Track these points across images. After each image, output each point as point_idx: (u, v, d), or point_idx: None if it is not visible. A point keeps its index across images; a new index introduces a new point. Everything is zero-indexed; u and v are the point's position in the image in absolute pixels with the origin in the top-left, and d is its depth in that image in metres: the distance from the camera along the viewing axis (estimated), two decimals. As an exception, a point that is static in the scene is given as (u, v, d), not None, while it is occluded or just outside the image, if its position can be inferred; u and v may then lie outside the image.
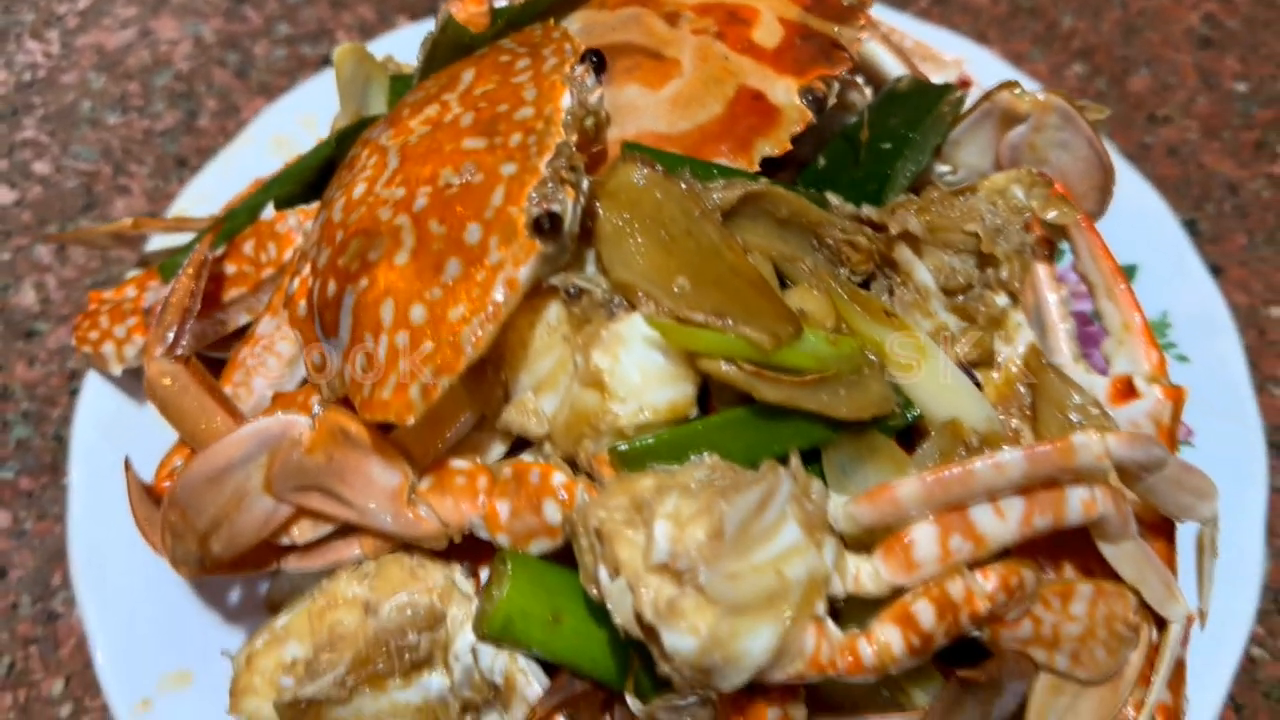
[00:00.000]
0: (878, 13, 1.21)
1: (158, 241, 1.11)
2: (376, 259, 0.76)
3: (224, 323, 0.95)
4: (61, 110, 1.48)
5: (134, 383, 1.03)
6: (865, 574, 0.72)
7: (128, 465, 0.89)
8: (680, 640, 0.65)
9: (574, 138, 0.76)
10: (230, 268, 0.95)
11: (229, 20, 1.56)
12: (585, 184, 0.77)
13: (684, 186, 0.79)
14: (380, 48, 1.13)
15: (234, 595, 0.98)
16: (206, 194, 1.15)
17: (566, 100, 0.78)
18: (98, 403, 1.01)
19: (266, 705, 0.77)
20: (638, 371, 0.76)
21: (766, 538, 0.67)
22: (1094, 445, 0.69)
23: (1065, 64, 1.48)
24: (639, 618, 0.67)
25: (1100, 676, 0.78)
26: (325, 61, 1.46)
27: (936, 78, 1.13)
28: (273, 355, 0.90)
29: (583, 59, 0.81)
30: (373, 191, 0.80)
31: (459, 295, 0.72)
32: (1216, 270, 1.30)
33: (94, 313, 0.99)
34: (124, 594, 0.94)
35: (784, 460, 0.76)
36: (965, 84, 1.16)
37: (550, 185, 0.73)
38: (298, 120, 1.20)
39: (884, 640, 0.70)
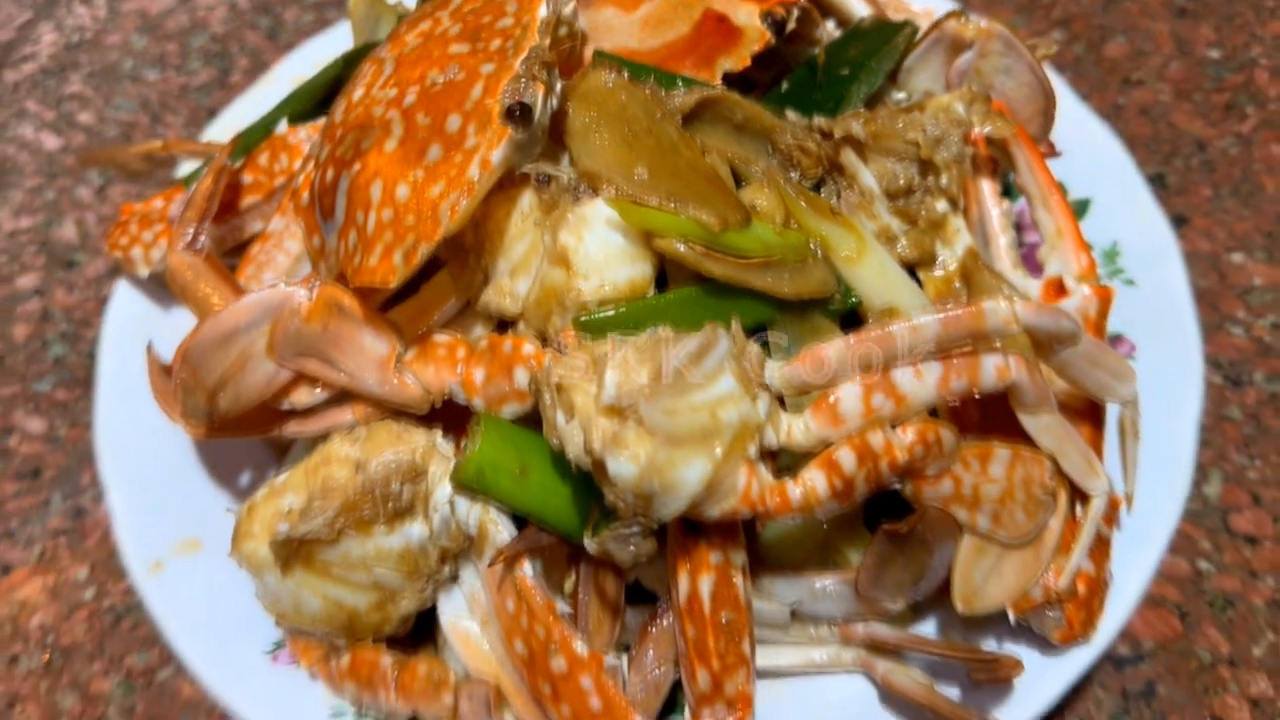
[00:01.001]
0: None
1: (186, 168, 1.22)
2: (368, 147, 0.85)
3: (241, 229, 1.05)
4: (106, 68, 1.60)
5: (159, 289, 1.13)
6: (796, 428, 0.80)
7: (149, 349, 0.98)
8: (622, 466, 0.73)
9: (547, 42, 0.85)
10: (247, 178, 1.05)
11: (261, -12, 1.68)
12: (557, 83, 0.86)
13: (648, 91, 0.88)
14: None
15: (244, 478, 1.07)
16: (232, 128, 1.24)
17: (542, 10, 0.87)
18: (126, 304, 1.11)
19: (263, 547, 0.86)
20: (600, 250, 0.84)
21: (703, 384, 0.75)
22: (1002, 310, 0.76)
23: (1045, 30, 1.56)
24: (589, 453, 0.75)
25: (1020, 539, 0.85)
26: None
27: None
28: (281, 252, 0.99)
29: (559, -24, 0.90)
30: (369, 94, 0.90)
31: (438, 174, 0.82)
32: (1181, 220, 1.37)
33: (125, 222, 1.09)
34: (143, 470, 1.03)
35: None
36: (934, 33, 1.24)
37: (523, 80, 0.83)
38: (316, 65, 1.29)
39: (810, 483, 0.78)
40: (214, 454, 1.06)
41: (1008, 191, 1.02)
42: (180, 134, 1.50)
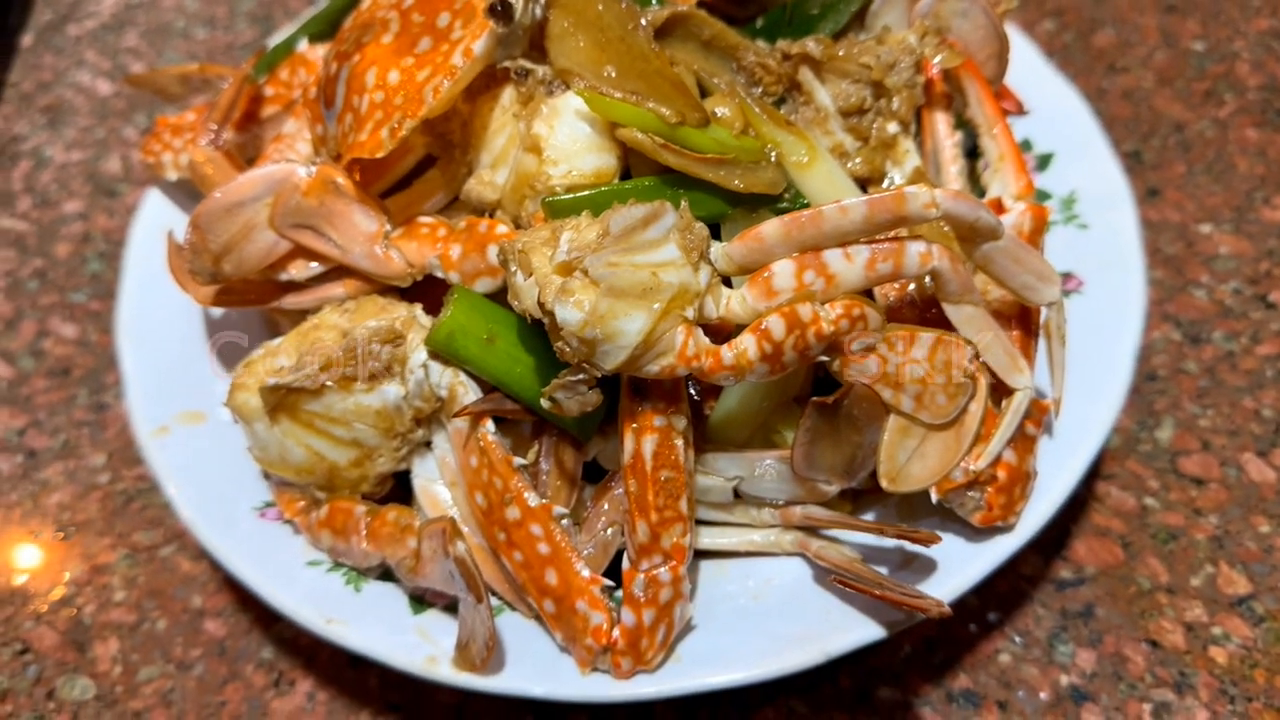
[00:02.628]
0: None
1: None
2: (368, 41, 0.95)
3: (262, 136, 1.16)
4: (160, 26, 1.73)
5: (184, 197, 1.23)
6: (735, 299, 0.88)
7: (169, 234, 1.08)
8: (568, 313, 0.81)
9: (531, -46, 0.95)
10: (269, 90, 1.15)
11: (307, -39, 1.81)
12: (541, -3, 0.96)
13: (623, 4, 0.97)
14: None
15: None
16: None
17: (530, -71, 0.97)
18: (155, 207, 1.22)
19: (254, 397, 0.95)
20: (569, 139, 0.93)
21: (648, 248, 0.83)
22: (922, 195, 0.84)
23: (1037, 21, 1.64)
24: (542, 305, 0.84)
25: (941, 420, 0.92)
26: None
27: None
28: (293, 151, 1.09)
29: (547, -98, 1.00)
30: (375, 2, 1.00)
31: (426, 62, 0.91)
32: (1154, 192, 1.43)
33: (159, 132, 1.20)
34: (157, 350, 1.13)
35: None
36: None
37: (507, -17, 0.92)
38: (346, 14, 1.40)
39: (742, 346, 0.85)
40: (223, 342, 1.16)
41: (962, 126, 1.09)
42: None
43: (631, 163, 0.95)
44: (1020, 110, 1.23)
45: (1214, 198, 1.42)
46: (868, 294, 0.96)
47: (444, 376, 0.95)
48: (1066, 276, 1.14)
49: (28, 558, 1.20)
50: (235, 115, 1.10)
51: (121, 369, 1.11)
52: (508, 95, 0.96)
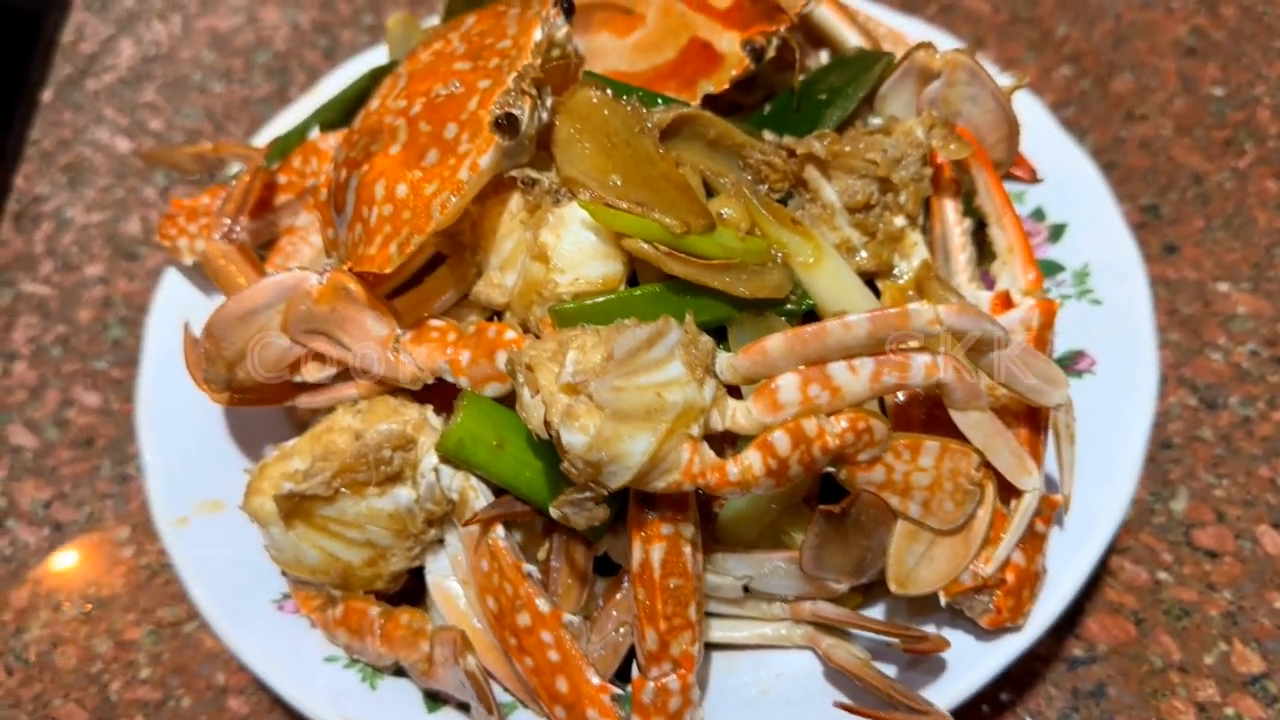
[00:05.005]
0: (858, 3, 1.39)
1: (234, 170, 1.34)
2: (376, 150, 0.96)
3: (275, 224, 1.17)
4: (177, 79, 1.75)
5: (202, 278, 1.25)
6: (740, 412, 0.88)
7: (186, 326, 1.10)
8: (573, 436, 0.82)
9: (538, 61, 0.96)
10: (282, 178, 1.16)
11: (323, 11, 1.82)
12: (548, 98, 0.96)
13: (629, 108, 0.97)
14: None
15: (268, 449, 1.18)
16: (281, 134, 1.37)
17: (537, 34, 0.98)
18: (173, 288, 1.23)
19: (269, 502, 0.96)
20: (575, 248, 0.94)
21: (652, 368, 0.84)
22: (925, 311, 0.84)
23: (1054, 66, 1.62)
24: (548, 425, 0.85)
25: (949, 526, 0.92)
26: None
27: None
28: (306, 245, 1.10)
29: (555, 4, 1.00)
30: (383, 104, 1.01)
31: (434, 175, 0.92)
32: (1171, 248, 1.42)
33: (174, 215, 1.22)
34: (176, 436, 1.14)
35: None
36: (931, 66, 1.32)
37: (512, 94, 0.93)
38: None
39: (747, 462, 0.86)
40: (241, 426, 1.17)
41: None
42: (239, 142, 1.64)
43: (638, 268, 0.96)
44: (1033, 178, 1.23)
45: (1232, 254, 1.41)
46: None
47: (455, 480, 0.96)
48: (1079, 355, 1.13)
49: (55, 633, 1.23)
50: (250, 205, 1.11)
51: (141, 459, 1.13)
52: (515, 201, 0.97)
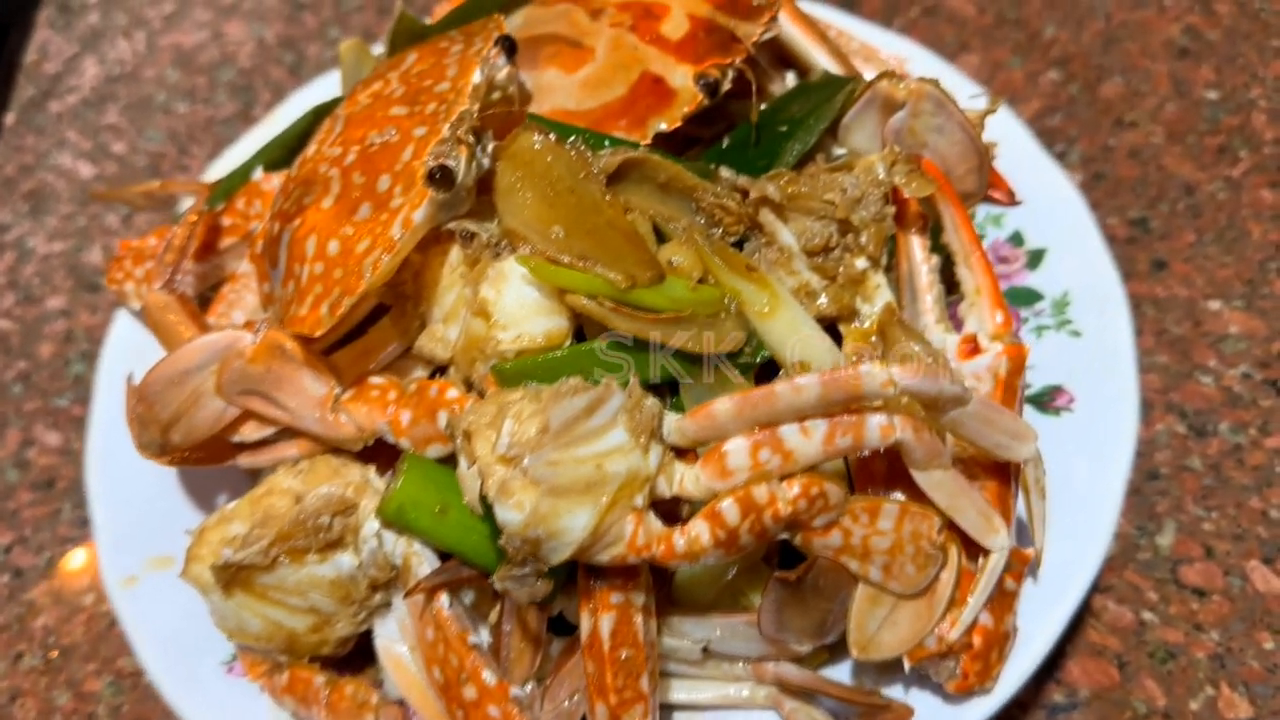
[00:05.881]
0: (832, 16, 1.33)
1: (188, 202, 1.30)
2: (309, 203, 0.92)
3: (221, 267, 1.13)
4: (141, 100, 1.71)
5: (154, 319, 1.21)
6: (689, 479, 0.84)
7: (128, 380, 1.06)
8: (508, 514, 0.79)
9: (476, 107, 0.91)
10: (226, 220, 1.12)
11: (289, 25, 1.77)
12: (489, 145, 0.91)
13: (573, 153, 0.93)
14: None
15: (222, 498, 1.15)
16: (235, 165, 1.33)
17: (476, 76, 0.93)
18: (124, 332, 1.20)
19: (208, 570, 0.93)
20: (517, 303, 0.90)
21: (591, 437, 0.80)
22: (879, 374, 0.79)
23: (1041, 71, 1.56)
24: (483, 498, 0.81)
25: (911, 590, 0.88)
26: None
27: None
28: (249, 292, 1.07)
29: (496, 43, 0.95)
30: (319, 151, 0.97)
31: (366, 232, 0.88)
32: (1161, 265, 1.37)
33: (121, 258, 1.18)
34: (126, 490, 1.11)
35: (652, 390, 0.90)
36: (905, 82, 1.26)
37: (447, 144, 0.88)
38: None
39: (694, 533, 0.82)
40: (193, 476, 1.14)
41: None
42: (203, 165, 1.60)
43: (584, 322, 0.91)
44: (1012, 200, 1.18)
45: (1225, 269, 1.35)
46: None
47: (398, 546, 0.93)
48: (1056, 391, 1.09)
49: (15, 685, 1.20)
50: (191, 252, 1.07)
51: (91, 514, 1.10)
52: (455, 253, 0.93)
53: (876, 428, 0.82)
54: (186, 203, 1.30)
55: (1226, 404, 1.25)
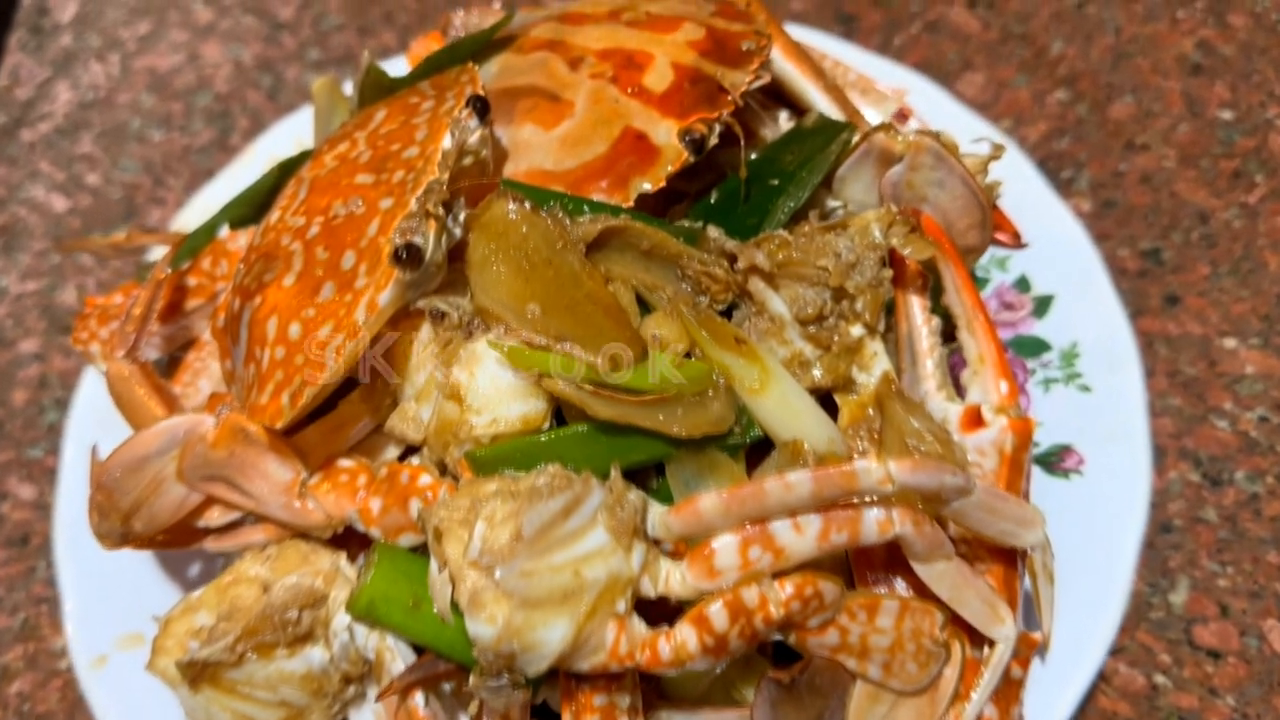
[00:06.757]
0: (828, 45, 1.27)
1: (158, 250, 1.25)
2: (270, 280, 0.87)
3: (188, 328, 1.08)
4: (115, 127, 1.65)
5: (122, 378, 1.16)
6: (674, 578, 0.79)
7: (94, 452, 1.02)
8: (480, 628, 0.74)
9: (446, 176, 0.85)
10: (192, 281, 1.07)
11: (267, 45, 1.71)
12: (460, 216, 0.86)
13: (550, 221, 0.87)
14: (396, 67, 1.20)
15: (192, 570, 1.11)
16: (209, 208, 1.27)
17: (446, 142, 0.87)
18: (91, 394, 1.15)
19: (174, 666, 0.89)
20: (491, 386, 0.85)
21: (569, 541, 0.75)
22: (874, 470, 0.74)
23: (1048, 90, 1.50)
24: (455, 606, 0.76)
25: (913, 688, 0.83)
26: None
27: (876, 110, 1.19)
28: (215, 360, 1.01)
29: (468, 103, 0.89)
30: (282, 219, 0.91)
31: (328, 315, 0.83)
32: (1174, 300, 1.31)
33: (87, 316, 1.13)
34: (95, 564, 1.07)
35: (637, 473, 0.85)
36: (905, 116, 1.20)
37: (415, 219, 0.83)
38: (294, 142, 1.32)
39: (681, 639, 0.77)
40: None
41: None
42: (179, 197, 1.55)
43: (562, 405, 0.86)
44: (1018, 243, 1.12)
45: (1241, 304, 1.29)
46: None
47: (370, 639, 0.88)
48: (1065, 451, 1.04)
49: (-14, 757, 1.17)
50: (155, 317, 1.02)
51: (60, 590, 1.06)
52: (426, 331, 0.87)
53: (874, 523, 0.77)
54: (157, 251, 1.25)
55: (1243, 450, 1.20)
